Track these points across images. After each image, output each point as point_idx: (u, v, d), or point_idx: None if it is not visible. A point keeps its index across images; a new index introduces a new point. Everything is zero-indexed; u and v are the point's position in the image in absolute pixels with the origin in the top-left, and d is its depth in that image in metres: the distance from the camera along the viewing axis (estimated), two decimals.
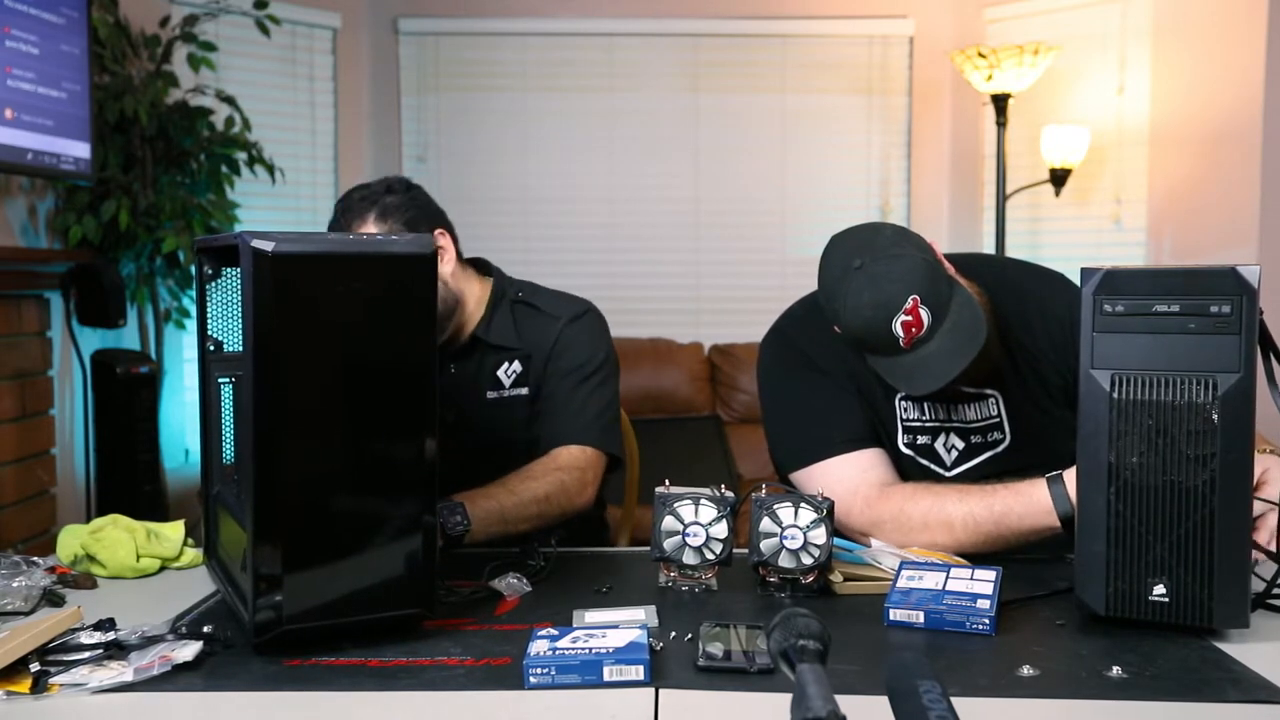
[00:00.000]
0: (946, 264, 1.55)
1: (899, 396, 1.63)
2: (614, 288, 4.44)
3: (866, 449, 1.60)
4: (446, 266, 1.80)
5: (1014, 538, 1.46)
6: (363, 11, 4.48)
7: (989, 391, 1.64)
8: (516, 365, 1.83)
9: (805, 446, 1.63)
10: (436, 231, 1.80)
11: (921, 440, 1.64)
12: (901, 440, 1.64)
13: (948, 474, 1.63)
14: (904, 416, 1.64)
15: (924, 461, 1.63)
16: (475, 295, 1.87)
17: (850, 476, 1.56)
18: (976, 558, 1.46)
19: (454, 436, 1.81)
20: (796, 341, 1.69)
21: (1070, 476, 1.41)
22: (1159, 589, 1.18)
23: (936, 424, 1.64)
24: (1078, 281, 1.25)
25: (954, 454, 1.63)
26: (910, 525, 1.51)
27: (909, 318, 1.46)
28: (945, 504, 1.51)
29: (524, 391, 1.82)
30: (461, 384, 1.83)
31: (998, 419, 1.64)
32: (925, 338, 1.46)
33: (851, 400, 1.63)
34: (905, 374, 1.49)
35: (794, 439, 1.65)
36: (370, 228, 1.77)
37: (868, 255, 1.49)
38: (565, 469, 1.71)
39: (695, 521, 1.38)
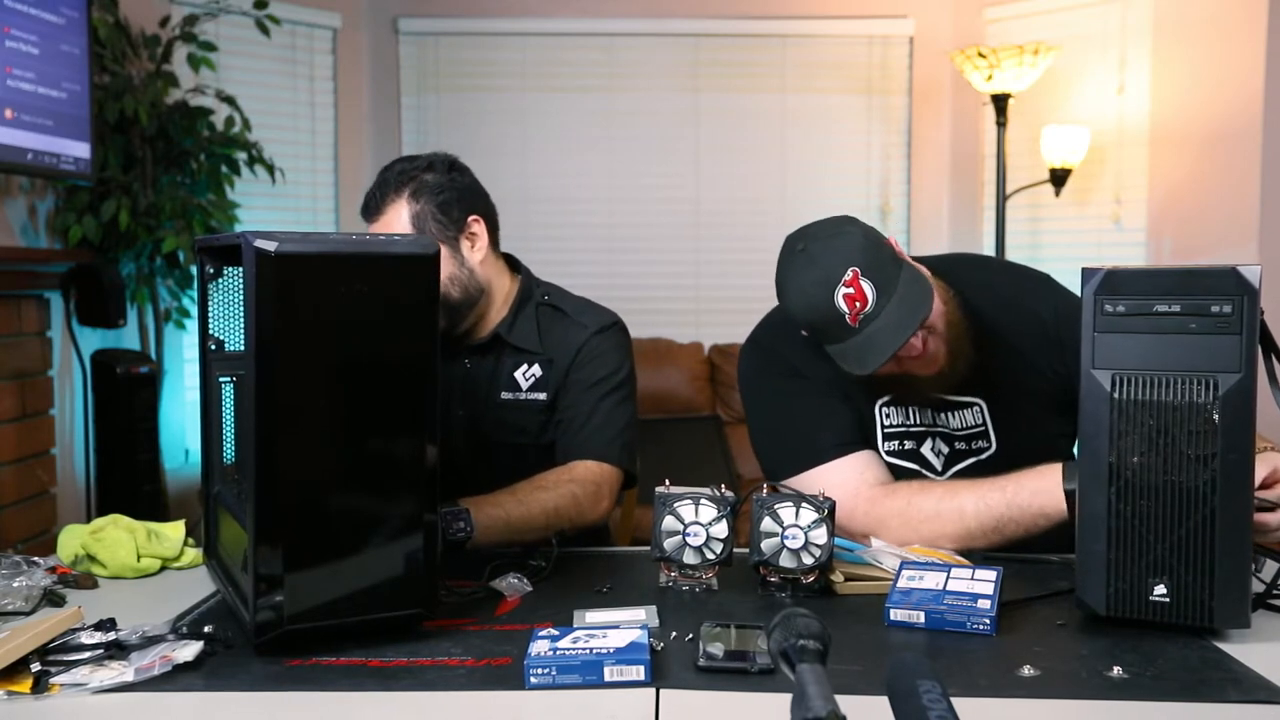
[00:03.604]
0: (901, 251, 1.54)
1: (880, 403, 1.62)
2: (614, 288, 4.41)
3: (858, 451, 1.59)
4: (476, 255, 1.76)
5: (1026, 520, 1.45)
6: (363, 11, 4.48)
7: (973, 400, 1.62)
8: (536, 369, 1.79)
9: (796, 454, 1.60)
10: (470, 218, 1.76)
11: (908, 445, 1.62)
12: (884, 448, 1.62)
13: (940, 479, 1.61)
14: (885, 423, 1.62)
15: (912, 466, 1.61)
16: (503, 292, 1.82)
17: (847, 480, 1.54)
18: (976, 557, 1.46)
19: (463, 434, 1.79)
20: (776, 349, 1.68)
21: None
22: (1160, 589, 1.18)
23: (922, 429, 1.62)
24: (1078, 281, 1.25)
25: (941, 458, 1.62)
26: (920, 516, 1.49)
27: (850, 290, 1.45)
28: (957, 492, 1.50)
29: (541, 397, 1.78)
30: (476, 381, 1.80)
31: (982, 427, 1.63)
32: (873, 314, 1.45)
33: (838, 403, 1.61)
34: (857, 354, 1.47)
35: (783, 448, 1.63)
36: (402, 203, 1.73)
37: (809, 239, 1.50)
38: (579, 481, 1.68)
39: (695, 521, 1.38)
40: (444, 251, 1.72)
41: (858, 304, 1.45)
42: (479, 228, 1.77)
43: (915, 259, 1.59)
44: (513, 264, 1.89)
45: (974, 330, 1.58)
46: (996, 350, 1.62)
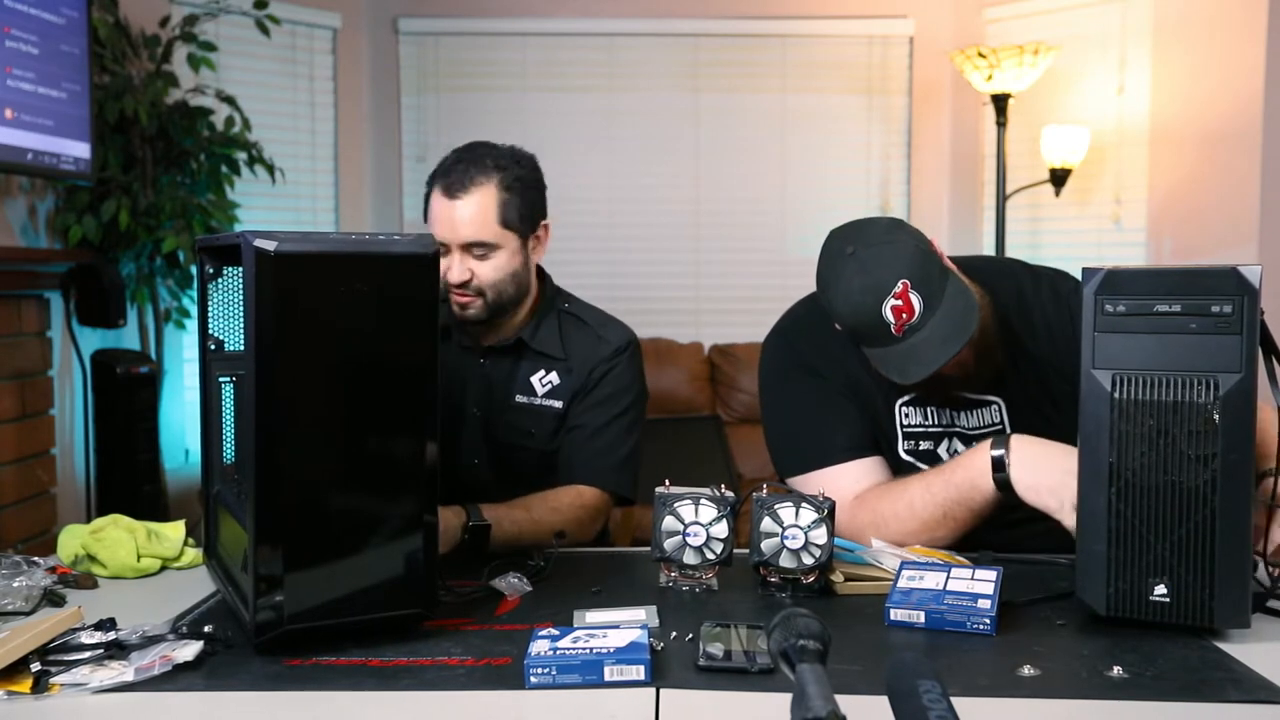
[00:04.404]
0: (945, 259, 1.55)
1: (899, 403, 1.63)
2: (614, 288, 4.43)
3: (863, 458, 1.60)
4: (537, 257, 1.80)
5: (964, 499, 1.47)
6: (363, 11, 4.48)
7: (992, 399, 1.63)
8: (554, 376, 1.79)
9: (803, 454, 1.62)
10: (544, 222, 1.79)
11: (924, 446, 1.63)
12: (902, 447, 1.63)
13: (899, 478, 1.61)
14: (905, 422, 1.63)
15: (925, 467, 1.62)
16: (532, 297, 1.84)
17: (844, 487, 1.56)
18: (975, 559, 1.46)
19: (474, 432, 1.81)
20: (797, 345, 1.69)
21: (1018, 442, 1.43)
22: (1160, 589, 1.18)
23: (940, 429, 1.63)
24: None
25: None
26: (884, 519, 1.52)
27: (899, 302, 1.45)
28: (908, 488, 1.52)
29: (557, 405, 1.79)
30: (493, 381, 1.81)
31: (1000, 426, 1.63)
32: (917, 325, 1.46)
33: (850, 407, 1.62)
34: (898, 363, 1.48)
35: (792, 446, 1.65)
36: (493, 187, 1.70)
37: (860, 243, 1.50)
38: (587, 508, 1.72)
39: (696, 521, 1.38)
40: (514, 244, 1.74)
41: (904, 315, 1.46)
42: (545, 234, 1.81)
43: (950, 259, 1.59)
44: (538, 272, 1.90)
45: (1002, 334, 1.59)
46: (1019, 353, 1.63)
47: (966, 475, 1.47)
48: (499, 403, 1.81)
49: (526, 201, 1.74)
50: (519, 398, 1.80)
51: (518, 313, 1.81)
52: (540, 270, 1.89)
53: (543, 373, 1.80)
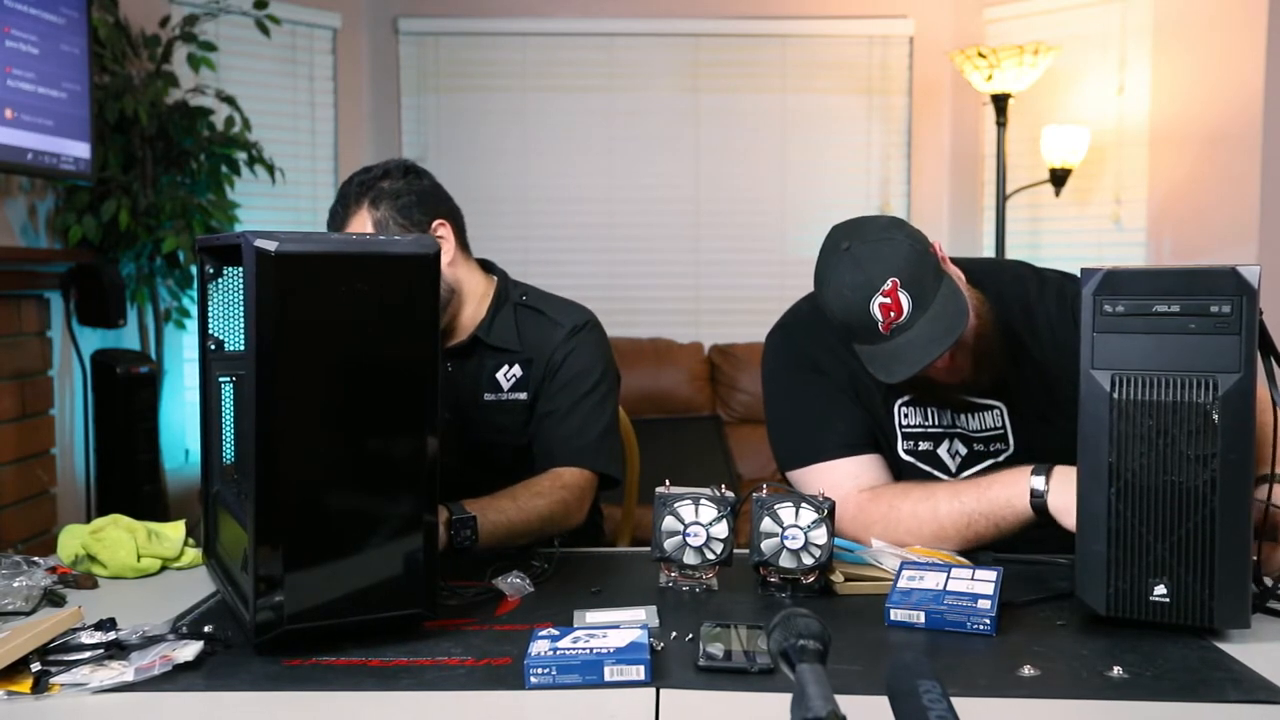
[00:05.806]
0: (948, 263, 1.55)
1: (899, 403, 1.62)
2: (614, 288, 4.44)
3: (861, 454, 1.60)
4: (444, 257, 1.76)
5: (994, 515, 1.46)
6: (363, 11, 4.48)
7: (994, 403, 1.63)
8: (517, 369, 1.80)
9: (801, 448, 1.63)
10: (436, 222, 1.77)
11: (924, 446, 1.63)
12: (901, 447, 1.63)
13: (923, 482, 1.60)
14: (904, 423, 1.63)
15: (926, 468, 1.62)
16: (478, 293, 1.83)
17: (841, 483, 1.55)
18: (975, 558, 1.46)
19: (449, 437, 1.80)
20: (799, 341, 1.69)
21: (1060, 470, 1.42)
22: (1160, 589, 1.18)
23: (940, 430, 1.62)
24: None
25: (958, 459, 1.62)
26: (898, 519, 1.51)
27: (887, 300, 1.45)
28: (933, 492, 1.51)
29: (523, 396, 1.80)
30: (458, 384, 1.81)
31: (1001, 430, 1.62)
32: (906, 325, 1.45)
33: (849, 404, 1.62)
34: (884, 362, 1.48)
35: (791, 440, 1.65)
36: (364, 213, 1.74)
37: (856, 238, 1.50)
38: (569, 488, 1.70)
39: (696, 521, 1.38)
40: None
41: (892, 314, 1.45)
42: (445, 230, 1.79)
43: (956, 260, 1.59)
44: (487, 267, 1.90)
45: (1003, 340, 1.59)
46: (1022, 356, 1.62)
47: (1002, 493, 1.46)
48: (468, 404, 1.81)
49: (403, 211, 1.75)
50: (487, 395, 1.81)
51: (460, 312, 1.81)
52: (490, 266, 1.90)
53: (505, 367, 1.81)
